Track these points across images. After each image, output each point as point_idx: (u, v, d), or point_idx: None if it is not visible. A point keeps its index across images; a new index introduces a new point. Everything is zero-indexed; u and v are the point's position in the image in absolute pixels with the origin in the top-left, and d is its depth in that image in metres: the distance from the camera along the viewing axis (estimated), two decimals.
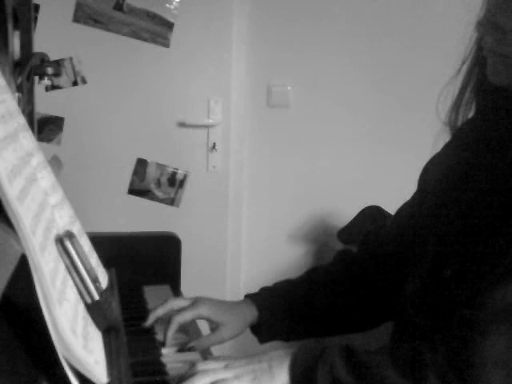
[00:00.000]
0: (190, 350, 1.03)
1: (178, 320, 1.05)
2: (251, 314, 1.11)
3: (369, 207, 2.36)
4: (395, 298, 1.07)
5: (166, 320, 1.06)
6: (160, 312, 1.08)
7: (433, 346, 0.82)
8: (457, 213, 0.92)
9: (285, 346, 0.92)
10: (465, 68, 0.96)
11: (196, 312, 1.07)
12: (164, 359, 0.99)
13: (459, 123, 0.99)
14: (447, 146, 1.06)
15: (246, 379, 0.83)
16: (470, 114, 0.99)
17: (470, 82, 0.96)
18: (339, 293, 1.15)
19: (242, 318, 1.10)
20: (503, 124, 0.89)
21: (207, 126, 2.52)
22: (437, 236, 0.95)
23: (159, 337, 1.07)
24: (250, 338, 1.15)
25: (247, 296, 1.15)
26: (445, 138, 1.04)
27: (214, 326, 1.09)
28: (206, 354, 1.03)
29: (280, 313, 1.12)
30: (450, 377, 0.79)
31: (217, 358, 0.90)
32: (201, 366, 0.85)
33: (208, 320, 1.09)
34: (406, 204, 1.14)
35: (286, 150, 2.60)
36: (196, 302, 1.09)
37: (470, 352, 0.79)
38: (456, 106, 0.98)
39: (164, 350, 1.03)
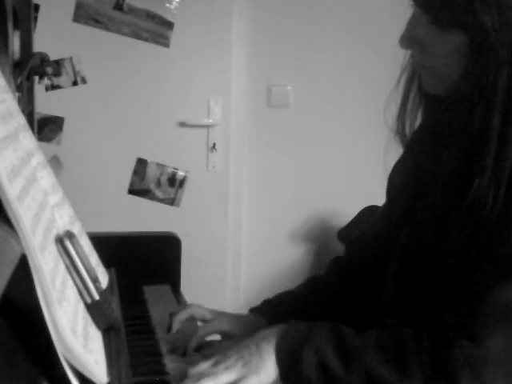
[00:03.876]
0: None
1: (202, 333, 1.06)
2: (256, 323, 1.11)
3: (369, 207, 2.35)
4: (372, 305, 1.09)
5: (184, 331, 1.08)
6: (183, 317, 1.09)
7: (418, 337, 0.84)
8: (419, 221, 0.94)
9: None
10: (404, 77, 0.98)
11: (218, 327, 1.08)
12: (164, 359, 0.99)
13: (407, 131, 1.01)
14: (405, 153, 1.07)
15: (235, 368, 0.85)
16: (417, 122, 1.00)
17: (411, 91, 0.97)
18: (336, 300, 1.16)
19: (248, 328, 1.10)
20: (449, 130, 0.91)
21: (207, 126, 2.52)
22: (402, 241, 0.97)
23: (162, 341, 1.07)
24: None
25: (251, 310, 1.15)
26: (395, 145, 1.05)
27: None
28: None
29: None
30: (431, 369, 0.80)
31: (206, 356, 0.92)
32: (192, 371, 0.87)
33: (228, 334, 1.10)
34: (378, 213, 1.16)
35: (285, 149, 2.60)
36: (217, 316, 1.11)
37: (453, 352, 0.80)
38: (401, 115, 0.99)
39: (164, 349, 1.03)
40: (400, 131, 1.01)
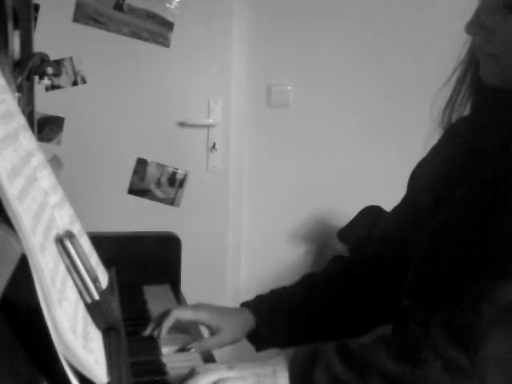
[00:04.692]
0: (189, 350, 1.04)
1: (177, 314, 1.06)
2: (248, 320, 1.11)
3: (369, 207, 2.35)
4: (390, 302, 1.08)
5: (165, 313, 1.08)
6: (168, 325, 1.07)
7: (423, 325, 0.83)
8: (452, 210, 0.92)
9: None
10: (459, 70, 0.97)
11: (196, 315, 1.08)
12: (164, 359, 0.99)
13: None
14: (437, 147, 1.07)
15: (249, 381, 0.84)
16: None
17: (463, 84, 0.98)
18: (335, 299, 1.15)
19: (240, 324, 1.10)
20: (498, 122, 0.90)
21: (207, 126, 2.52)
22: (431, 232, 0.95)
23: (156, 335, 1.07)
24: (248, 347, 1.16)
25: (243, 304, 1.15)
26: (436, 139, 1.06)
27: (213, 332, 1.09)
28: (206, 356, 1.04)
29: (276, 320, 1.12)
30: (443, 344, 0.80)
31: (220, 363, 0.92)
32: (204, 367, 0.87)
33: (207, 325, 1.10)
34: (395, 209, 1.15)
35: (285, 149, 2.60)
36: (197, 306, 1.11)
37: (465, 319, 0.80)
38: (449, 108, 0.99)
39: (164, 349, 1.03)
40: (445, 124, 1.01)
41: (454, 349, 0.79)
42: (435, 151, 1.07)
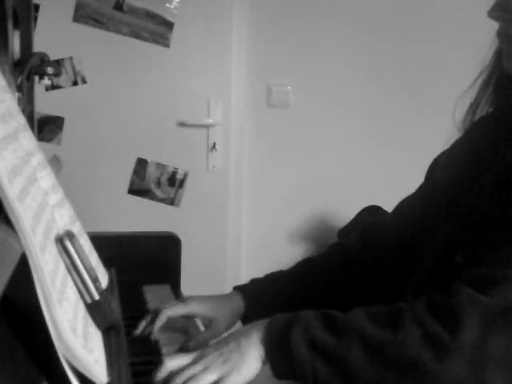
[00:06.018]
0: (187, 350, 1.03)
1: (167, 313, 1.05)
2: (239, 305, 1.12)
3: (369, 207, 2.35)
4: (396, 290, 1.08)
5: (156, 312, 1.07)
6: (160, 323, 1.06)
7: (411, 302, 0.82)
8: (471, 203, 0.91)
9: None
10: (484, 74, 0.96)
11: (187, 308, 1.08)
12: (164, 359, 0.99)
13: None
14: (459, 140, 1.05)
15: (215, 366, 0.82)
16: None
17: (488, 87, 0.96)
18: (333, 285, 1.15)
19: (232, 310, 1.11)
20: None
21: (207, 126, 2.52)
22: (448, 226, 0.94)
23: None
24: None
25: (236, 287, 1.16)
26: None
27: (208, 323, 1.09)
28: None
29: (267, 304, 1.13)
30: (427, 318, 0.78)
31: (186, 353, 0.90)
32: (169, 362, 0.85)
33: (199, 316, 1.10)
34: (409, 197, 1.14)
35: (285, 149, 2.60)
36: (187, 299, 1.10)
37: (451, 299, 0.78)
38: (471, 110, 0.98)
39: (164, 349, 1.03)
40: (467, 127, 0.99)
41: (437, 323, 0.77)
42: (458, 144, 1.05)
